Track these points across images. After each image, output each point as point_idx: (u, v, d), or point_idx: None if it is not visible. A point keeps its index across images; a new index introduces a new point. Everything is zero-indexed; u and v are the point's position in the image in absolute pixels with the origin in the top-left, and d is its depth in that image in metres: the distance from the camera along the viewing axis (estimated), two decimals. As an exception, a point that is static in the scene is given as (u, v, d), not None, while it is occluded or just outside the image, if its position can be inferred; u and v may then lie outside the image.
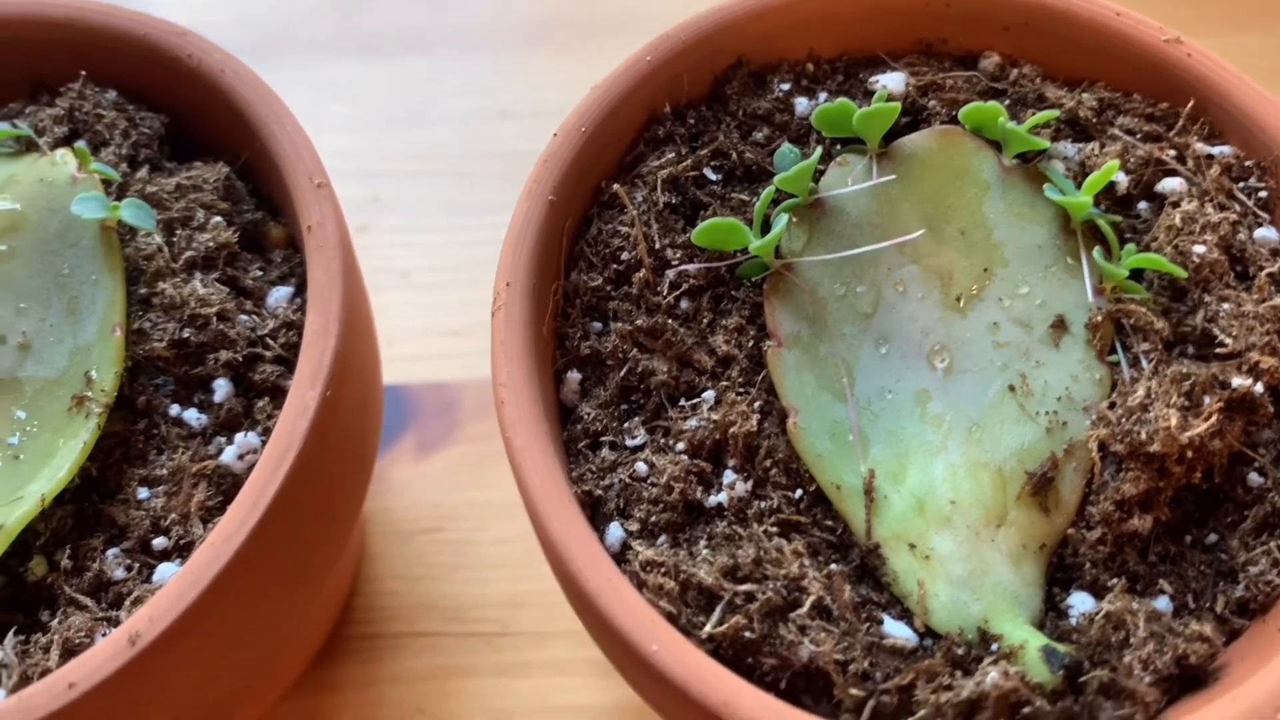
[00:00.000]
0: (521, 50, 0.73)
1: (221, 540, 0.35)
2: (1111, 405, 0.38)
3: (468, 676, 0.52)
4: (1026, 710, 0.34)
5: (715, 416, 0.39)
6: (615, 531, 0.38)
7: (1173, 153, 0.43)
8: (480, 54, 0.73)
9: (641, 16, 0.72)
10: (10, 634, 0.36)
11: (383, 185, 0.67)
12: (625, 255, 0.41)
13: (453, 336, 0.62)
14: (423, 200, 0.67)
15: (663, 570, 0.36)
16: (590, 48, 0.72)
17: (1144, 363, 0.39)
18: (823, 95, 0.45)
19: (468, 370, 0.61)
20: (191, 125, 0.46)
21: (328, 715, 0.51)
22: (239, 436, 0.40)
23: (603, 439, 0.40)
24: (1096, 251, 0.40)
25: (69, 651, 0.36)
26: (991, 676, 0.34)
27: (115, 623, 0.37)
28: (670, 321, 0.40)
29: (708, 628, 0.35)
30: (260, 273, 0.43)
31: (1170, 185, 0.42)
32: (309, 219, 0.40)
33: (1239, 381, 0.37)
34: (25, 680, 0.35)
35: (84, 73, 0.45)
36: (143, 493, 0.39)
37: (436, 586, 0.55)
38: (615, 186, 0.42)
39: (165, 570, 0.38)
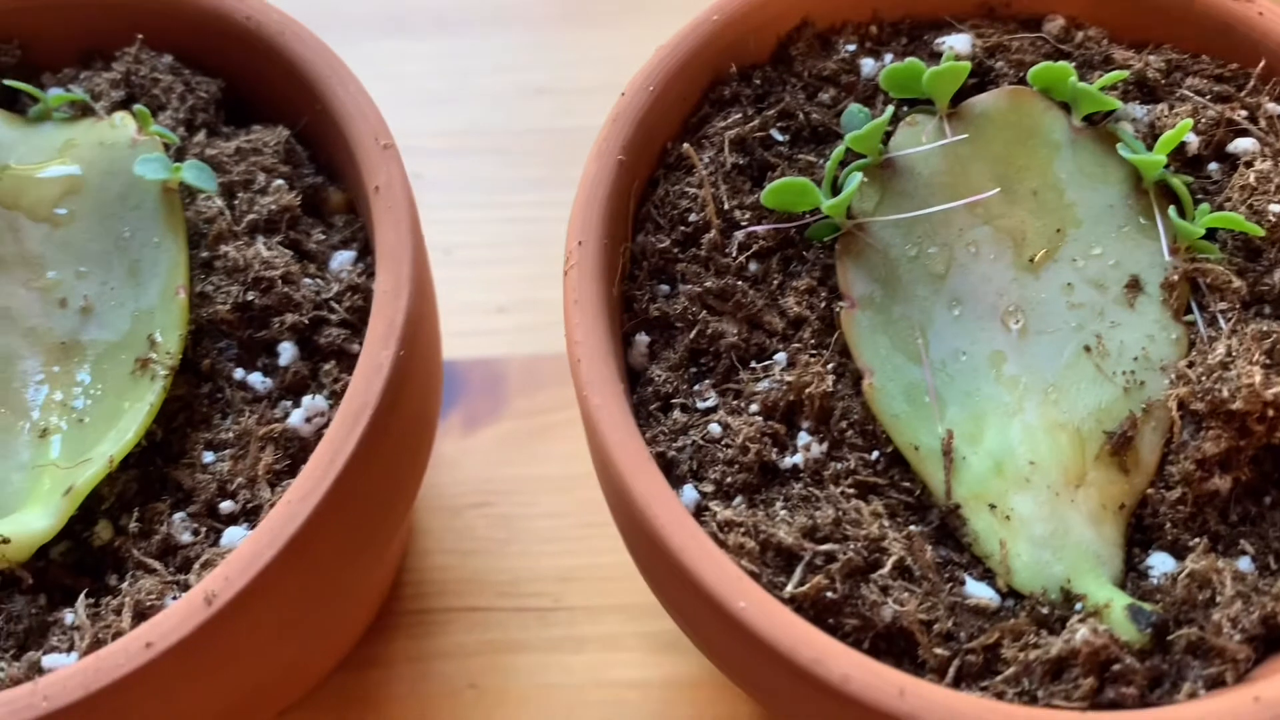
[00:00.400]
0: (559, 26, 0.73)
1: (298, 499, 0.34)
2: (1191, 364, 0.38)
3: (519, 652, 0.52)
4: (1116, 668, 0.34)
5: (789, 378, 0.38)
6: (689, 493, 0.37)
7: (1244, 113, 0.42)
8: (517, 30, 0.72)
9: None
10: (82, 596, 0.36)
11: (422, 162, 0.66)
12: (693, 217, 0.41)
13: (497, 313, 0.62)
14: (463, 177, 0.67)
15: (742, 530, 0.36)
16: (628, 24, 0.71)
17: (1221, 322, 0.39)
18: (888, 57, 0.44)
19: (512, 346, 0.61)
20: (247, 89, 0.46)
21: (379, 690, 0.51)
22: (306, 399, 0.39)
23: (673, 401, 0.39)
24: (1171, 211, 0.40)
25: (140, 614, 0.35)
26: (1081, 634, 0.34)
27: (184, 586, 0.36)
28: (740, 283, 0.40)
29: (789, 588, 0.35)
30: (323, 237, 0.43)
31: (1242, 145, 0.42)
32: (376, 179, 0.40)
33: (1321, 339, 0.37)
34: (98, 642, 0.35)
35: (140, 36, 0.45)
36: (208, 456, 0.39)
37: (486, 561, 0.54)
38: (685, 146, 0.41)
39: (233, 534, 0.37)
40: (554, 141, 0.67)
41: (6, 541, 0.35)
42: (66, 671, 0.32)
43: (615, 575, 0.54)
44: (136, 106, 0.42)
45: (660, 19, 0.74)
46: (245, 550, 0.34)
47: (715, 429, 0.38)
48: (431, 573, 0.54)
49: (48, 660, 0.35)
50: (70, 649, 0.35)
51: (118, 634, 0.35)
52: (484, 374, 0.59)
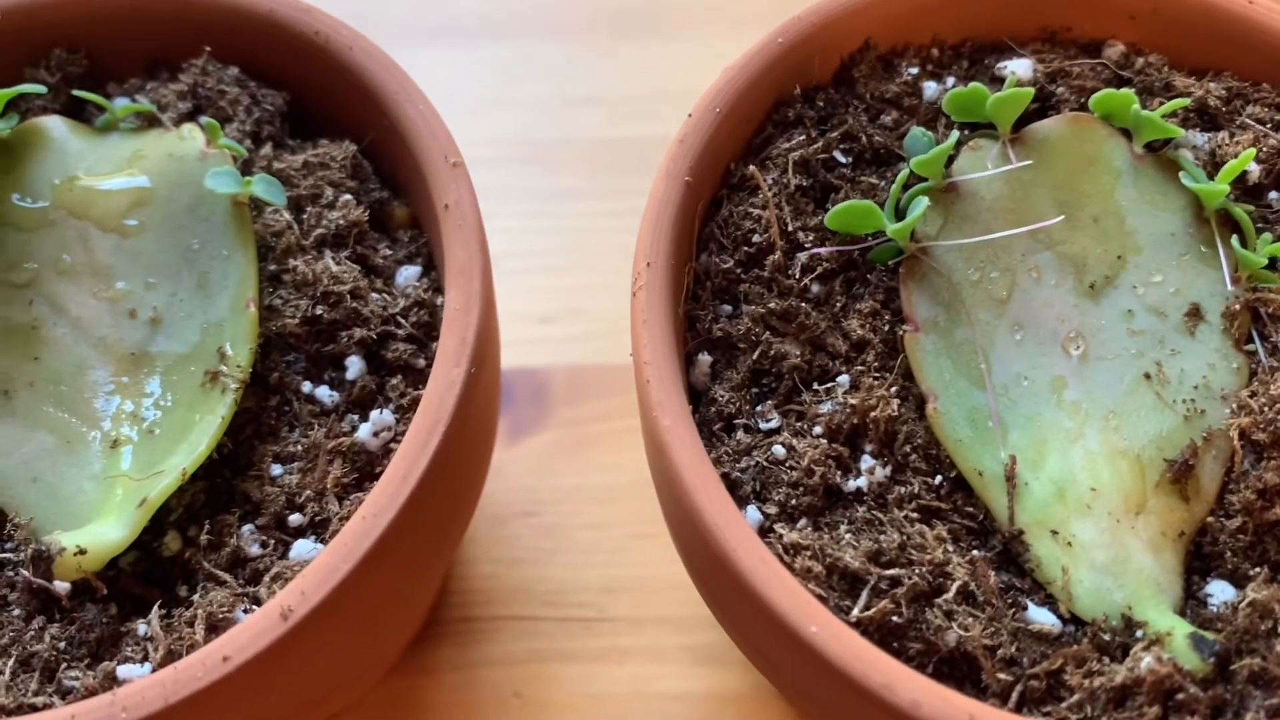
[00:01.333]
0: (604, 37, 0.73)
1: (373, 514, 0.35)
2: (1253, 394, 0.38)
3: (565, 661, 0.52)
4: (1180, 697, 0.34)
5: (853, 401, 0.38)
6: (753, 514, 0.38)
7: (1305, 142, 0.42)
8: (562, 40, 0.73)
9: (725, 6, 0.72)
10: (155, 607, 0.36)
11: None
12: (756, 238, 0.41)
13: (540, 323, 0.62)
14: (507, 186, 0.67)
15: (809, 553, 0.36)
16: (673, 35, 0.72)
17: (1283, 352, 0.39)
18: (950, 80, 0.44)
19: (555, 356, 0.61)
20: (311, 103, 0.46)
21: (425, 698, 0.51)
22: (374, 414, 0.39)
23: (736, 422, 0.40)
24: (1233, 240, 0.40)
25: (212, 626, 0.36)
26: (1146, 662, 0.34)
27: (254, 598, 0.37)
28: (803, 305, 0.40)
29: (855, 611, 0.35)
30: (389, 252, 0.43)
31: (1304, 175, 0.42)
32: (446, 197, 0.40)
33: (1384, 371, 0.37)
34: (171, 653, 0.35)
35: (208, 48, 0.45)
36: (276, 469, 0.39)
37: (532, 570, 0.54)
38: (750, 168, 0.41)
39: (301, 547, 0.38)
40: (598, 151, 0.68)
41: (83, 552, 0.36)
42: (144, 683, 0.33)
43: (659, 587, 0.54)
44: (206, 119, 0.42)
45: (705, 30, 0.74)
46: (320, 564, 0.34)
47: (779, 450, 0.38)
48: (478, 581, 0.54)
49: (122, 671, 0.35)
50: (144, 659, 0.36)
51: (191, 646, 0.35)
52: (528, 384, 0.60)
